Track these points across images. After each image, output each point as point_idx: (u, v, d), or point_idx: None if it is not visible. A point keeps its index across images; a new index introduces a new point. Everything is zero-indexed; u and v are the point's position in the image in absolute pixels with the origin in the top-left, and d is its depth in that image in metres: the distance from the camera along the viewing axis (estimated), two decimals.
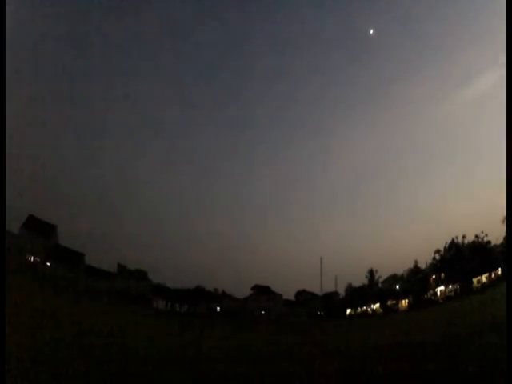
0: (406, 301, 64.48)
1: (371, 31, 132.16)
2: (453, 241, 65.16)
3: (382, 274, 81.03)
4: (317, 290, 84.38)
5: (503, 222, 48.90)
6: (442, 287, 60.51)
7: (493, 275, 49.23)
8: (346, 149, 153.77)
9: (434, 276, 67.32)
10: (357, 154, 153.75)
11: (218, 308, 67.62)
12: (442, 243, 67.65)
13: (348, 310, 75.51)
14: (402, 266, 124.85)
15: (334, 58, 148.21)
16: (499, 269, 48.29)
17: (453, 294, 53.90)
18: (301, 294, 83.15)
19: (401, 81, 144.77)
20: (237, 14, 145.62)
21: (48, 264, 53.69)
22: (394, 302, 68.12)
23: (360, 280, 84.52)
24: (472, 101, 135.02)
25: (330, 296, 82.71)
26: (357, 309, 73.52)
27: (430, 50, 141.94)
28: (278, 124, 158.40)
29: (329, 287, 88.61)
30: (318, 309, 75.10)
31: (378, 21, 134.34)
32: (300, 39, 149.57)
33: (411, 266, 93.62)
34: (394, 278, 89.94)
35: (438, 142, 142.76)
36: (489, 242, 60.88)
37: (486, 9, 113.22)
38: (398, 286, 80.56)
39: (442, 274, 64.48)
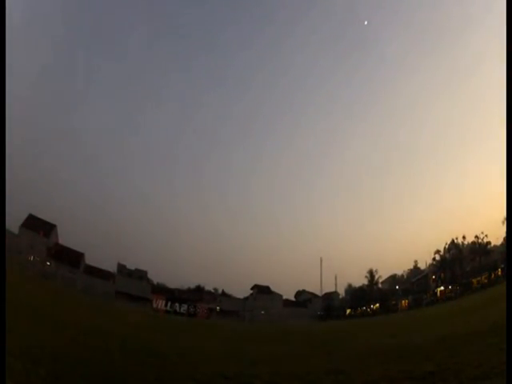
0: (406, 301, 64.46)
1: (365, 22, 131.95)
2: (453, 241, 65.22)
3: (382, 274, 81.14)
4: (317, 290, 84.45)
5: (503, 222, 49.01)
6: (442, 288, 60.48)
7: (492, 276, 49.20)
8: (345, 148, 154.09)
9: (433, 276, 67.36)
10: (356, 153, 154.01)
11: (218, 308, 67.62)
12: (442, 244, 67.78)
13: (348, 310, 75.53)
14: (401, 266, 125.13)
15: (332, 52, 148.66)
16: (499, 269, 48.26)
17: (453, 294, 53.86)
18: (301, 294, 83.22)
19: (400, 76, 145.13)
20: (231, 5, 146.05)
21: (48, 263, 53.69)
22: (393, 302, 68.12)
23: (360, 280, 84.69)
24: (473, 99, 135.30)
25: (330, 296, 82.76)
26: (356, 309, 73.52)
27: (428, 44, 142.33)
28: (276, 123, 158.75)
29: (329, 287, 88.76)
30: (318, 309, 75.13)
31: (374, 12, 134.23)
32: (296, 33, 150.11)
33: (411, 266, 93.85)
34: (393, 279, 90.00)
35: (439, 142, 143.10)
36: (489, 243, 60.95)
37: (486, 4, 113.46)
38: (397, 287, 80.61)
39: (442, 275, 64.49)
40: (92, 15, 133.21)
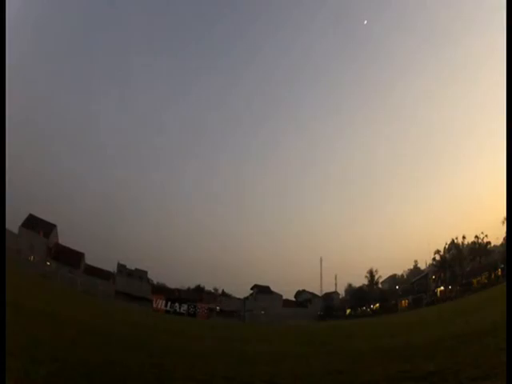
0: (406, 301, 64.48)
1: (365, 22, 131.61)
2: (453, 241, 65.25)
3: (382, 275, 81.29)
4: (317, 290, 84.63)
5: (503, 222, 49.02)
6: (442, 288, 60.50)
7: (492, 276, 49.21)
8: (345, 149, 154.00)
9: (433, 276, 67.39)
10: (356, 153, 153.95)
11: (218, 308, 67.64)
12: (442, 244, 67.81)
13: (348, 310, 75.57)
14: (401, 266, 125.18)
15: (328, 49, 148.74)
16: (499, 269, 48.28)
17: (453, 294, 53.88)
18: (301, 294, 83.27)
19: (399, 76, 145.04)
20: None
21: (48, 263, 53.68)
22: (393, 302, 68.14)
23: (360, 280, 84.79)
24: (472, 98, 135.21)
25: (330, 296, 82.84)
26: (356, 309, 73.55)
27: (426, 43, 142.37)
28: (275, 122, 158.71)
29: (329, 287, 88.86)
30: (318, 309, 75.16)
31: (373, 11, 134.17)
32: (294, 31, 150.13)
33: (411, 266, 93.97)
34: (393, 279, 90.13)
35: (438, 142, 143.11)
36: (489, 243, 61.01)
37: (484, 4, 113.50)
38: (397, 287, 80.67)
39: (442, 275, 64.53)
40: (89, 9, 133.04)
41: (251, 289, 75.41)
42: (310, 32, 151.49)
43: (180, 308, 59.87)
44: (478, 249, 61.07)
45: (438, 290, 60.95)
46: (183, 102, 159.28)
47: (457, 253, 64.09)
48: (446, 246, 65.99)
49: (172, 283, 76.73)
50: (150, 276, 72.50)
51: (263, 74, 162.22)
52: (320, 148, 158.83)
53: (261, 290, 73.41)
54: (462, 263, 63.02)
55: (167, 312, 56.90)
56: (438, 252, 66.64)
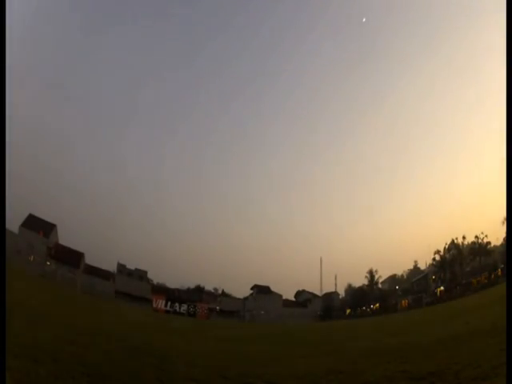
0: (406, 301, 64.45)
1: (364, 19, 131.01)
2: (453, 241, 65.18)
3: (382, 275, 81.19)
4: (317, 290, 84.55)
5: (503, 222, 49.00)
6: (442, 288, 60.49)
7: (492, 276, 49.21)
8: (345, 148, 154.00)
9: (433, 276, 67.35)
10: (356, 153, 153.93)
11: (218, 308, 67.61)
12: (442, 244, 67.77)
13: (348, 310, 75.52)
14: (401, 266, 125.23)
15: (327, 49, 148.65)
16: (499, 269, 48.28)
17: (453, 294, 53.87)
18: (300, 294, 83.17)
19: (397, 75, 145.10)
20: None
21: (48, 263, 53.65)
22: (393, 302, 68.12)
23: (360, 280, 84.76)
24: (472, 98, 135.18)
25: (330, 296, 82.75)
26: (356, 309, 73.50)
27: (425, 43, 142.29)
28: (275, 122, 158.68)
29: (329, 287, 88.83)
30: (318, 309, 75.10)
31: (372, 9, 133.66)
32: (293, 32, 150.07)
33: (411, 266, 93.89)
34: (393, 279, 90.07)
35: (438, 142, 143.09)
36: (489, 243, 60.97)
37: (485, 2, 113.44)
38: (397, 287, 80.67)
39: (442, 275, 64.49)
40: None
41: (251, 289, 75.35)
42: (310, 35, 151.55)
43: (180, 308, 59.87)
44: (478, 249, 61.00)
45: (438, 290, 60.93)
46: (188, 104, 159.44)
47: (457, 253, 64.03)
48: (446, 246, 65.93)
49: (172, 283, 76.77)
50: (149, 276, 72.48)
51: (269, 75, 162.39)
52: (320, 148, 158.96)
53: (261, 290, 73.35)
54: (462, 263, 63.00)
55: (167, 312, 56.91)
56: (438, 252, 66.58)
